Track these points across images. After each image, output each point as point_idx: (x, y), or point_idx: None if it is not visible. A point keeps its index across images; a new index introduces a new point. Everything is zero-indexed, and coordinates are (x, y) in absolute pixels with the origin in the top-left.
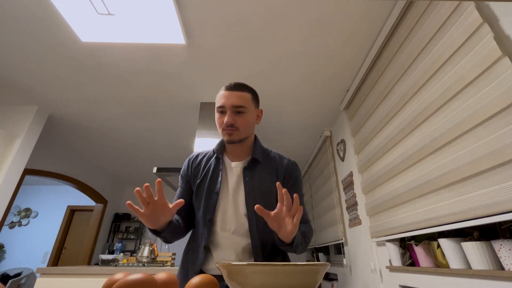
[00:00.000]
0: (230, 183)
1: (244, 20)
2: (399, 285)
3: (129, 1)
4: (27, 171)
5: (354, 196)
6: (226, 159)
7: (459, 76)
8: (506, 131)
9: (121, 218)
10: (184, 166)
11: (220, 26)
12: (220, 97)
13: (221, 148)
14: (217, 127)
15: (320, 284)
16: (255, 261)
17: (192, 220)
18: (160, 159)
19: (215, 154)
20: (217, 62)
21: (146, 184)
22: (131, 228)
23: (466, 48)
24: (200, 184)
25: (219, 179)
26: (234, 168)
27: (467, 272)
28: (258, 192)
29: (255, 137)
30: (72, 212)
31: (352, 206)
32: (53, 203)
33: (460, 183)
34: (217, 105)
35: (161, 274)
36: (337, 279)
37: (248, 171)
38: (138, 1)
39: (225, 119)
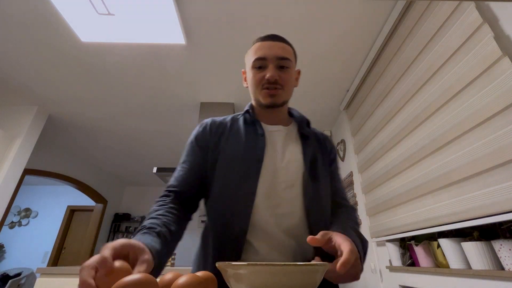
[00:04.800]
0: (274, 151)
1: (244, 20)
2: (399, 285)
3: (129, 1)
4: (27, 171)
5: (354, 196)
6: (264, 125)
7: (459, 76)
8: (506, 131)
9: (121, 218)
10: (198, 130)
11: (220, 26)
12: (258, 48)
13: (253, 112)
14: (252, 88)
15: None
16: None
17: (196, 205)
18: (160, 159)
19: (244, 117)
20: (217, 62)
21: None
22: (131, 228)
23: (466, 48)
24: (230, 150)
25: (261, 145)
26: (275, 133)
27: (467, 272)
28: (319, 163)
29: (296, 110)
30: (72, 212)
31: None
32: (53, 203)
33: (460, 183)
34: (254, 57)
35: (137, 275)
36: None
37: (305, 136)
38: (138, 1)
39: (268, 74)
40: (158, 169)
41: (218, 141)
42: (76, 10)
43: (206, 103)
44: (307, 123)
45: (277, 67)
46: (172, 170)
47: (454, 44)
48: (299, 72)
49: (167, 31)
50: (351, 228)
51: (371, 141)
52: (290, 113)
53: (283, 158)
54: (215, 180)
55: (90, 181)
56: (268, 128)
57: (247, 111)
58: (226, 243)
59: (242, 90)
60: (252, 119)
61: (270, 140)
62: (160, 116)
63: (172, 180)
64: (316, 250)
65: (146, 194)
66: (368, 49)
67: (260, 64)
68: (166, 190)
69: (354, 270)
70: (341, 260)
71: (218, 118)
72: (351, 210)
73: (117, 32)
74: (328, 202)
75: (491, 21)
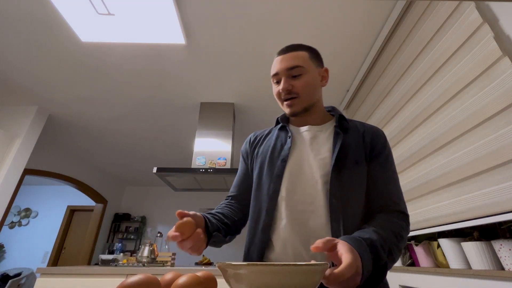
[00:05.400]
0: (301, 149)
1: (244, 19)
2: (399, 285)
3: (129, 1)
4: (27, 171)
5: None
6: (293, 127)
7: (459, 76)
8: (506, 131)
9: (121, 218)
10: (243, 145)
11: (220, 26)
12: (273, 65)
13: (285, 118)
14: (277, 101)
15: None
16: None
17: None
18: (160, 159)
19: (278, 124)
20: (217, 62)
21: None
22: (131, 228)
23: (466, 48)
24: (260, 154)
25: (288, 145)
26: (304, 133)
27: (467, 272)
28: (351, 160)
29: (332, 107)
30: (72, 212)
31: None
32: (53, 203)
33: (460, 183)
34: (271, 74)
35: (139, 275)
36: None
37: (337, 132)
38: (138, 1)
39: (281, 86)
40: (158, 169)
41: (255, 149)
42: (76, 10)
43: (206, 103)
44: (339, 116)
45: (289, 77)
46: (172, 170)
47: (454, 44)
48: (326, 71)
49: (167, 31)
50: (367, 239)
51: None
52: (329, 111)
53: (310, 156)
54: (253, 181)
55: (90, 181)
56: (298, 130)
57: (277, 119)
58: (254, 240)
59: (242, 90)
60: (283, 124)
61: (298, 140)
62: (160, 116)
63: (231, 187)
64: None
65: (146, 194)
66: (368, 49)
67: (276, 79)
68: (227, 196)
69: (347, 284)
70: (334, 271)
71: (259, 131)
72: (395, 216)
73: (117, 32)
74: (358, 201)
75: (491, 21)
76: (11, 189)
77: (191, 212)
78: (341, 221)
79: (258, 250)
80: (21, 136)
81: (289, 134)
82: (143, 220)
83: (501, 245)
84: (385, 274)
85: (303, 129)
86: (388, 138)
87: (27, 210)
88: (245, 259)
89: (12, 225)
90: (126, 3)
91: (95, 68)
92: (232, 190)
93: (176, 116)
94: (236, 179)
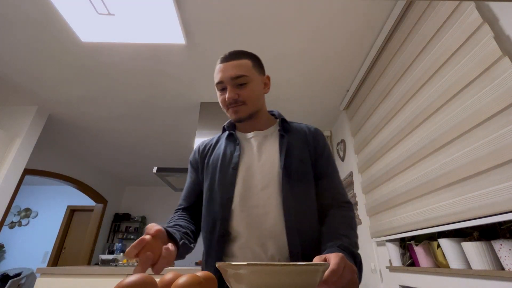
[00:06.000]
0: (250, 155)
1: (244, 20)
2: (399, 285)
3: (129, 1)
4: (27, 171)
5: (354, 196)
6: (240, 133)
7: (459, 76)
8: (506, 131)
9: (121, 218)
10: (191, 155)
11: (220, 26)
12: (217, 72)
13: (232, 125)
14: (221, 107)
15: None
16: (291, 251)
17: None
18: (160, 159)
19: (226, 132)
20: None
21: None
22: (131, 228)
23: (466, 48)
24: (211, 164)
25: (237, 152)
26: (251, 139)
27: (467, 272)
28: (296, 159)
29: (277, 111)
30: (72, 212)
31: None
32: (53, 203)
33: (460, 183)
34: (215, 82)
35: (135, 276)
36: None
37: (282, 135)
38: (138, 1)
39: (227, 95)
40: (158, 169)
41: (205, 159)
42: (76, 10)
43: (206, 103)
44: (282, 120)
45: (234, 86)
46: (172, 170)
47: (454, 44)
48: (268, 78)
49: (167, 31)
50: (341, 246)
51: (371, 141)
52: (273, 114)
53: (259, 161)
54: (204, 192)
55: (90, 181)
56: (245, 136)
57: (223, 127)
58: (211, 251)
59: None
60: (229, 131)
61: (246, 146)
62: (160, 116)
63: (180, 199)
64: (301, 255)
65: (146, 194)
66: (368, 49)
67: (221, 87)
68: (176, 209)
69: (348, 285)
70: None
71: (207, 139)
72: (345, 209)
73: (117, 32)
74: (309, 199)
75: (491, 21)
76: (11, 189)
77: (152, 230)
78: (294, 217)
79: (216, 260)
80: (21, 136)
81: (237, 142)
82: (143, 220)
83: (501, 245)
84: (362, 266)
85: (250, 135)
86: (388, 138)
87: (27, 210)
88: (203, 270)
89: (12, 225)
90: (126, 3)
91: (95, 68)
92: (181, 203)
93: (176, 116)
94: (186, 190)
